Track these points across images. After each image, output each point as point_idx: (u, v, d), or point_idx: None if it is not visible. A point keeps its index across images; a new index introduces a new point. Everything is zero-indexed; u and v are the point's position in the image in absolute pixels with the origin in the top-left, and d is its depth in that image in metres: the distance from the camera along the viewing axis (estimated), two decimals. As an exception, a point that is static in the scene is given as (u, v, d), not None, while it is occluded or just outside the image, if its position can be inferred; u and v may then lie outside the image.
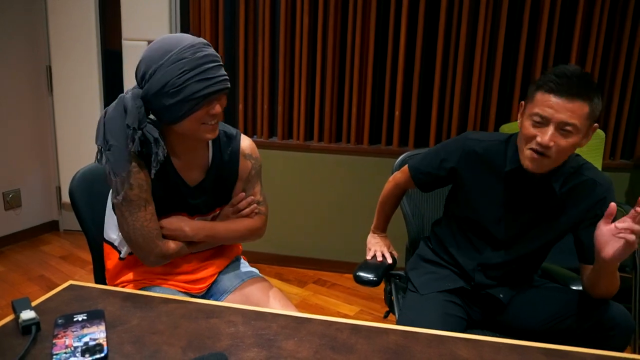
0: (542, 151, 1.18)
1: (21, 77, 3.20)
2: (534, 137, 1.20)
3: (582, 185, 1.29)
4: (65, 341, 0.89)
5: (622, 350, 1.23)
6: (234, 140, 1.35)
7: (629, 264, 2.06)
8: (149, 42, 1.20)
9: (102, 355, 0.86)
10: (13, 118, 3.19)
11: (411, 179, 1.51)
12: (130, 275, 1.34)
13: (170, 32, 2.94)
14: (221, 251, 1.46)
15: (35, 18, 3.22)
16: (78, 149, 3.31)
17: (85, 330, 0.93)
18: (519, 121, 1.28)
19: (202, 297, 1.41)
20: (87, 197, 1.39)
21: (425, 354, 0.93)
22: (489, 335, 1.43)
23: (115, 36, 3.15)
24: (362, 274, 1.47)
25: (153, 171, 1.18)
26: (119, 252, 1.34)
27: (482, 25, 2.59)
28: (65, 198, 3.44)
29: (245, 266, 1.49)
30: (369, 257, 1.60)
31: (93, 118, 3.25)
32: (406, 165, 1.54)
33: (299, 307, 2.59)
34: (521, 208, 1.35)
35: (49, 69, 3.27)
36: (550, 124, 1.16)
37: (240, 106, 2.96)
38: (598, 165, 2.32)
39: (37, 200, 3.42)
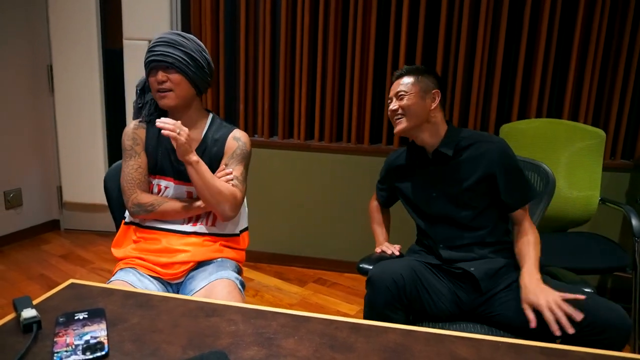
0: (395, 116, 1.58)
1: (22, 76, 3.21)
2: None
3: (475, 150, 1.55)
4: (66, 339, 0.90)
5: (620, 350, 1.22)
6: (228, 128, 1.58)
7: (629, 264, 2.06)
8: (150, 41, 1.33)
9: (103, 353, 0.87)
10: (14, 117, 3.20)
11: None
12: (124, 250, 1.51)
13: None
14: (203, 243, 1.51)
15: (36, 17, 3.22)
16: (79, 148, 3.32)
17: (86, 329, 0.93)
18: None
19: (175, 289, 1.47)
20: (117, 185, 1.63)
21: (424, 352, 0.93)
22: (480, 326, 1.44)
23: (116, 35, 3.16)
24: (364, 265, 1.53)
25: (140, 118, 1.56)
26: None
27: (482, 25, 2.59)
28: (66, 197, 3.45)
29: (225, 269, 1.46)
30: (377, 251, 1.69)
31: (94, 117, 3.26)
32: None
33: (299, 306, 2.60)
34: (435, 184, 1.59)
35: (50, 68, 3.28)
36: (394, 98, 1.60)
37: (241, 106, 2.96)
38: (598, 165, 2.32)
39: (37, 199, 3.43)
